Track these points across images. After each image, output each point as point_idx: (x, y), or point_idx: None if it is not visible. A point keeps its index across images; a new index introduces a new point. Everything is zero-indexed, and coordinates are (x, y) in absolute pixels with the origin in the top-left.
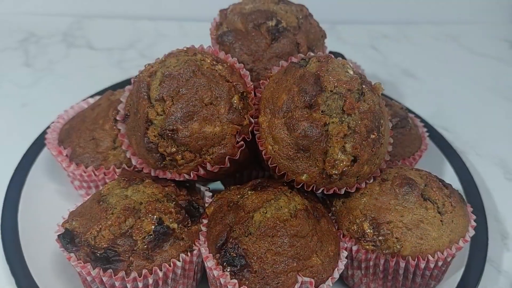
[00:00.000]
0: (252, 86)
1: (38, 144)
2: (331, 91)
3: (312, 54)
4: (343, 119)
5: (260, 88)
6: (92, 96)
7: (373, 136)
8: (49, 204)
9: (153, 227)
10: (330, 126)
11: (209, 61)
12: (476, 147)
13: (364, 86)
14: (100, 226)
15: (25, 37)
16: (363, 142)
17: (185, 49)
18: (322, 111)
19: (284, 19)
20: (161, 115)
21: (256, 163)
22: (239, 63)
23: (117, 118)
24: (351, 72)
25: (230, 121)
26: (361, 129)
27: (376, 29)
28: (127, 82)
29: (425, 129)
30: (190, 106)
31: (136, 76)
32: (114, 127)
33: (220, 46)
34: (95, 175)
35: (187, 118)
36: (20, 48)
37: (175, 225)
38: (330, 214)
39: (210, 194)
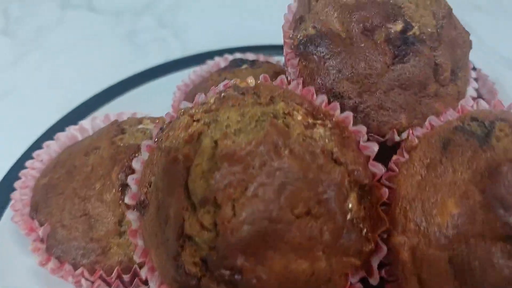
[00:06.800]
0: (383, 169)
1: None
2: None
3: (489, 110)
4: None
5: (393, 170)
6: (90, 111)
7: None
8: None
9: None
10: None
11: (300, 117)
12: None
13: None
14: None
15: None
16: None
17: (251, 84)
18: None
19: (416, 20)
20: (211, 231)
21: None
22: (337, 94)
23: (127, 199)
24: None
25: (342, 249)
26: None
27: None
28: (148, 74)
29: None
30: (270, 221)
31: (160, 130)
32: (120, 201)
33: (302, 60)
34: (89, 280)
35: (263, 246)
36: None
37: None
38: None
39: None
